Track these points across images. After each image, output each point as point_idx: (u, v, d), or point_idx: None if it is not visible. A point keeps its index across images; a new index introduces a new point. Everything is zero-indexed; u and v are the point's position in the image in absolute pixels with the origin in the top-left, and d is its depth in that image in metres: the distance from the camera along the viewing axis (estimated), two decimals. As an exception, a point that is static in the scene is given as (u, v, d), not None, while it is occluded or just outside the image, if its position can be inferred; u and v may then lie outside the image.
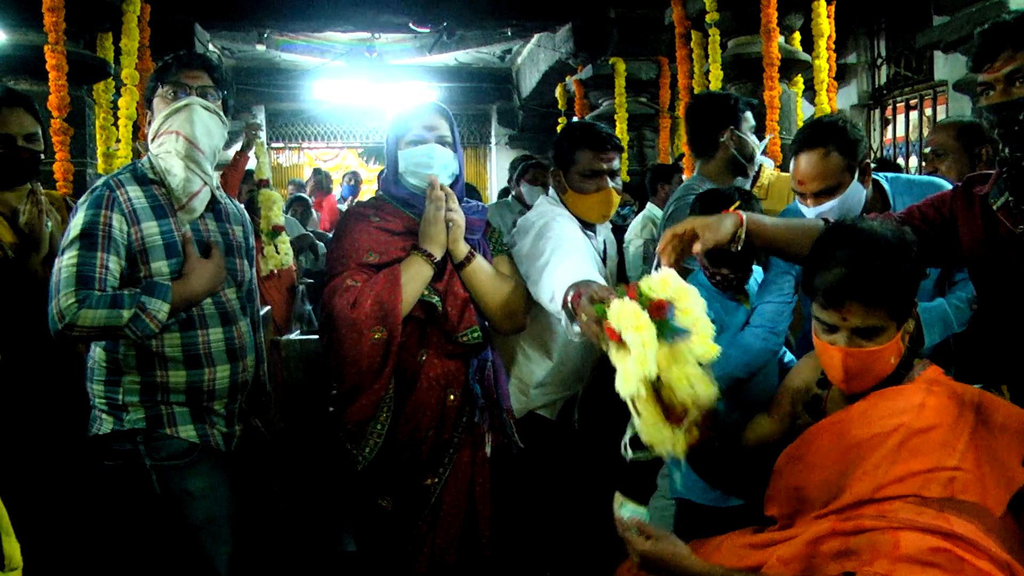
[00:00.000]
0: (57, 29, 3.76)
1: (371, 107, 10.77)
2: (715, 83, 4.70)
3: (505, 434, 2.33)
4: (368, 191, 14.09)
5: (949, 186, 2.36)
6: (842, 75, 6.60)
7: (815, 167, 2.17)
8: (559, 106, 7.76)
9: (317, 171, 8.67)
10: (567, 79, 7.54)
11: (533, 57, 9.31)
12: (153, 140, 2.12)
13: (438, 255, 2.19)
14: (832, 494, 1.70)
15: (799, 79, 4.76)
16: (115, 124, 4.57)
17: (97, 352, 2.12)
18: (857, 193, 2.19)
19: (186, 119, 2.08)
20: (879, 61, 7.05)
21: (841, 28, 4.81)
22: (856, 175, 2.19)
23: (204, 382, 2.11)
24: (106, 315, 1.91)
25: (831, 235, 1.74)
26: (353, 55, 9.44)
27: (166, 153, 2.07)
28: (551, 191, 2.62)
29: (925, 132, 6.54)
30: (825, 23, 4.48)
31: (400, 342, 2.16)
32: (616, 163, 2.52)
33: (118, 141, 4.59)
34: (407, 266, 2.18)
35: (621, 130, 6.45)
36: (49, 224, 2.35)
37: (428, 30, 7.80)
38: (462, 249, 2.23)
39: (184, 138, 2.06)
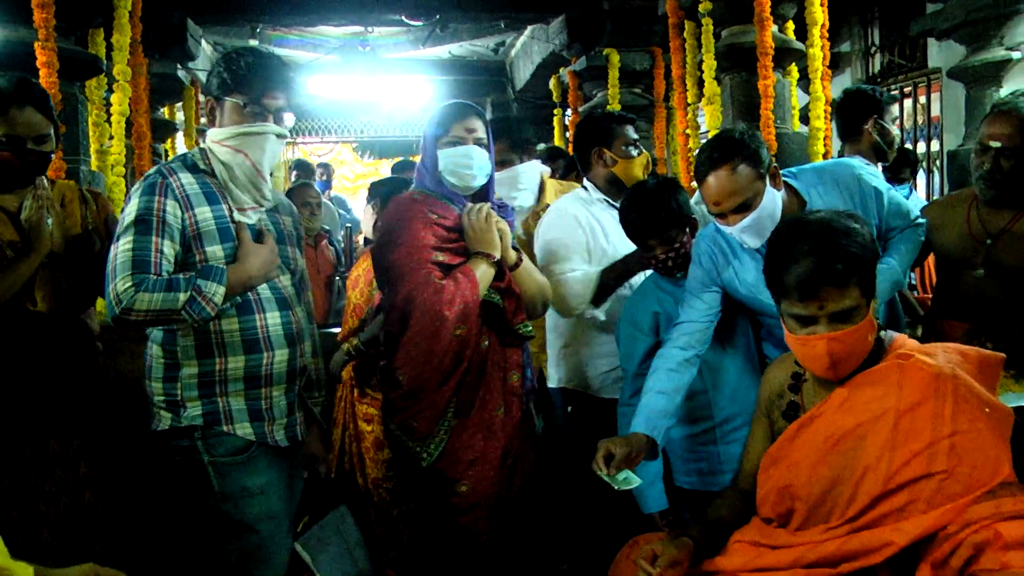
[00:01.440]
0: (47, 25, 3.73)
1: (365, 101, 10.74)
2: (709, 73, 4.69)
3: (540, 411, 2.56)
4: (361, 185, 14.02)
5: (856, 164, 2.48)
6: (836, 63, 6.60)
7: (726, 184, 2.19)
8: (553, 98, 7.74)
9: (301, 163, 8.25)
10: (561, 71, 7.52)
11: (527, 49, 9.28)
12: (217, 139, 2.14)
13: (498, 257, 2.36)
14: (825, 488, 1.71)
15: (793, 68, 4.75)
16: (108, 121, 4.55)
17: (154, 349, 2.14)
18: (773, 199, 2.22)
19: (259, 146, 2.12)
20: (873, 49, 7.05)
21: (835, 16, 4.80)
22: (767, 181, 2.22)
23: (262, 366, 2.13)
24: (162, 298, 1.94)
25: (784, 235, 1.79)
26: (346, 49, 9.39)
27: (229, 165, 2.12)
28: (588, 177, 3.01)
29: (920, 120, 6.55)
30: (819, 11, 4.47)
31: (464, 333, 2.31)
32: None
33: (111, 138, 4.57)
34: (475, 267, 2.33)
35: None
36: (50, 221, 2.30)
37: (421, 23, 7.78)
38: (513, 254, 2.44)
39: (252, 164, 2.13)
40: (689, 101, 5.21)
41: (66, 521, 2.18)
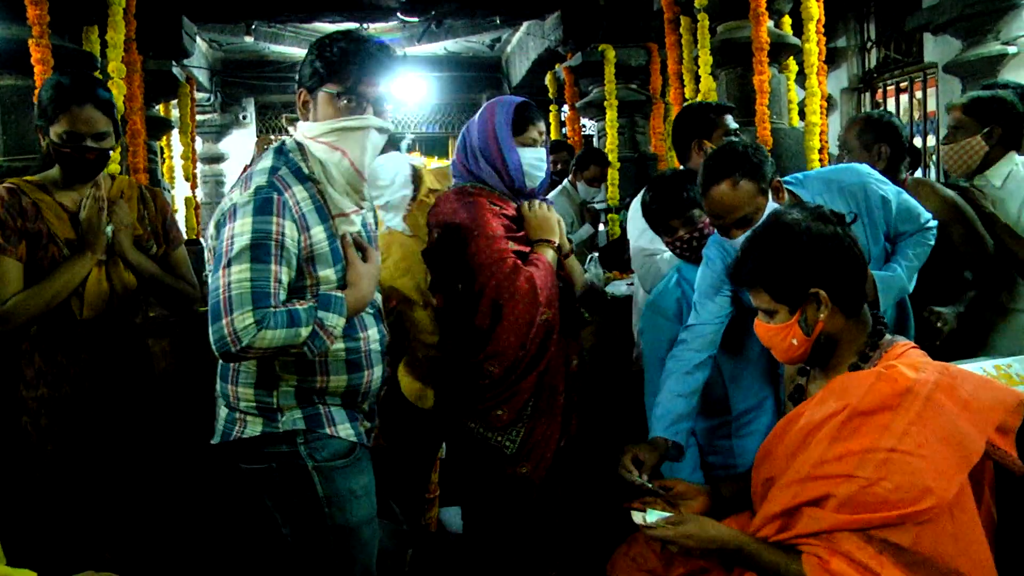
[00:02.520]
0: (41, 22, 3.72)
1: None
2: (704, 69, 4.69)
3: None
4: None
5: (864, 171, 2.50)
6: (832, 59, 6.61)
7: (727, 198, 2.20)
8: (549, 94, 7.73)
9: None
10: (557, 67, 7.51)
11: (522, 45, 9.28)
12: (311, 135, 1.93)
13: (557, 243, 2.45)
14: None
15: (789, 63, 4.75)
16: (103, 118, 4.54)
17: None
18: None
19: (358, 143, 1.90)
20: (869, 44, 7.05)
21: (830, 12, 4.80)
22: (769, 196, 2.23)
23: (363, 384, 2.03)
24: (285, 335, 1.77)
25: (753, 232, 1.89)
26: (342, 46, 9.38)
27: (326, 164, 1.92)
28: (686, 167, 2.94)
29: (916, 115, 6.55)
30: (814, 6, 4.47)
31: (550, 317, 2.37)
32: None
33: (106, 135, 4.56)
34: (544, 253, 2.41)
35: (611, 117, 6.44)
36: (109, 228, 2.32)
37: (416, 20, 7.76)
38: (567, 243, 2.53)
39: (350, 162, 1.91)
40: (685, 97, 5.20)
41: (123, 538, 2.21)
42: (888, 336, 1.83)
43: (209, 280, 1.83)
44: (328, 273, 1.91)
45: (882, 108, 6.60)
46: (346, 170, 1.91)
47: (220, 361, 1.98)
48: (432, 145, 12.40)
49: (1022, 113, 2.83)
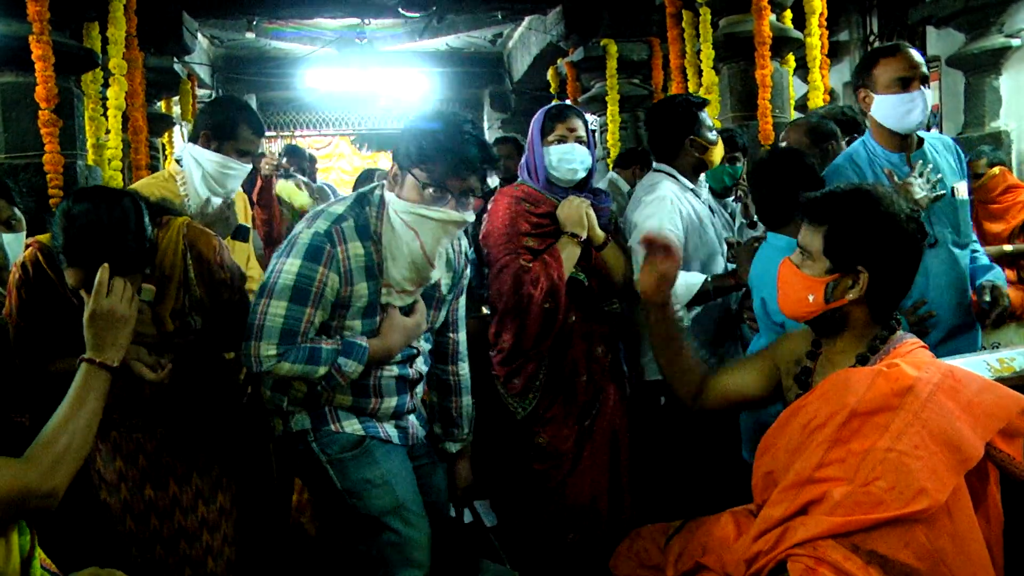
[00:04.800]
0: (42, 19, 3.72)
1: (362, 94, 10.71)
2: (707, 63, 4.68)
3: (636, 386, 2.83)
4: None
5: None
6: (834, 52, 6.57)
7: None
8: (551, 89, 7.73)
9: (292, 148, 6.90)
10: (559, 62, 7.50)
11: (524, 40, 9.26)
12: (393, 207, 1.96)
13: (583, 237, 2.58)
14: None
15: (791, 57, 4.74)
16: (104, 115, 4.54)
17: None
18: None
19: (432, 232, 1.95)
20: (871, 38, 7.02)
21: (833, 5, 4.79)
22: None
23: (369, 407, 2.10)
24: (302, 369, 1.94)
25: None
26: (343, 42, 9.37)
27: (399, 236, 1.96)
28: (674, 164, 2.93)
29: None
30: (817, 0, 4.46)
31: (551, 307, 2.57)
32: None
33: (108, 132, 4.56)
34: (562, 247, 2.59)
35: (613, 112, 6.43)
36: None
37: (418, 15, 7.74)
38: (600, 234, 2.64)
39: (422, 248, 1.96)
40: (688, 91, 5.19)
41: (206, 558, 2.12)
42: (900, 332, 1.81)
43: (252, 300, 1.99)
44: (355, 323, 2.01)
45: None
46: (415, 252, 1.97)
47: None
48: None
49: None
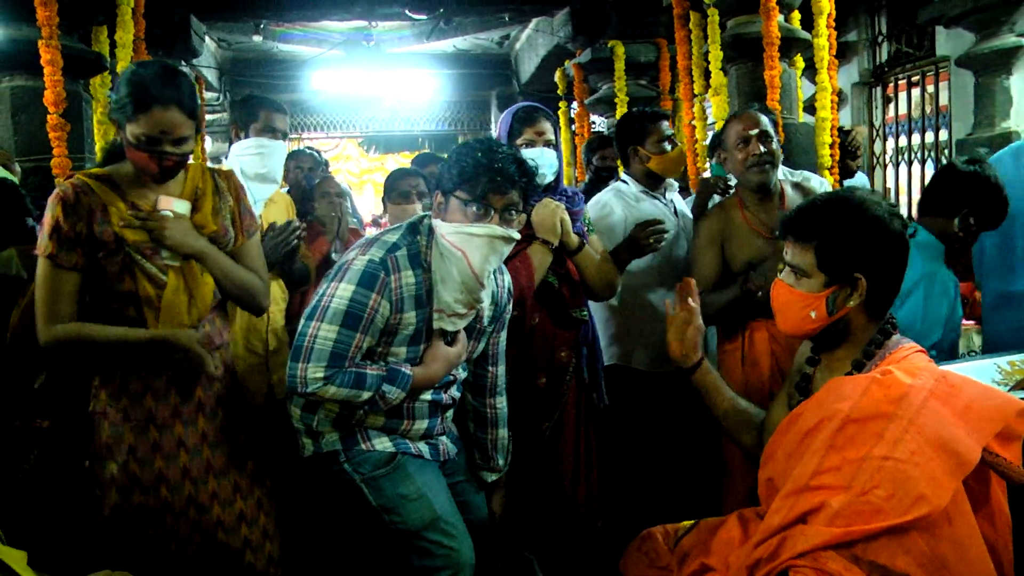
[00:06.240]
0: (51, 23, 3.73)
1: (370, 96, 10.72)
2: (715, 64, 4.66)
3: (597, 388, 2.76)
4: (366, 180, 14.00)
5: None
6: (843, 53, 6.55)
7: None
8: (559, 91, 7.72)
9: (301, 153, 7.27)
10: (566, 63, 7.49)
11: (531, 42, 9.26)
12: (440, 231, 2.05)
13: (555, 243, 2.53)
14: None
15: (799, 58, 4.72)
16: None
17: None
18: None
19: (478, 249, 2.01)
20: (880, 38, 6.99)
21: (841, 6, 4.76)
22: None
23: (400, 428, 2.14)
24: (346, 393, 1.97)
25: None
26: (351, 44, 9.38)
27: (447, 260, 2.03)
28: (628, 172, 3.24)
29: (928, 109, 6.50)
30: (825, 1, 4.44)
31: (518, 314, 2.49)
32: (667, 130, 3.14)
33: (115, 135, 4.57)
34: (533, 254, 2.52)
35: (622, 113, 6.41)
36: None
37: (425, 17, 7.75)
38: (574, 240, 2.59)
39: (470, 266, 2.02)
40: (695, 92, 5.18)
41: (244, 551, 2.12)
42: (895, 337, 1.81)
43: (301, 322, 2.01)
44: (400, 350, 2.06)
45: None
46: (464, 271, 2.02)
47: None
48: (442, 143, 12.41)
49: None
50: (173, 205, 2.06)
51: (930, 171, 6.49)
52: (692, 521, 2.00)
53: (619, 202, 3.13)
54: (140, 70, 2.00)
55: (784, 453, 1.75)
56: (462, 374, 2.25)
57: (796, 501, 1.63)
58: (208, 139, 9.67)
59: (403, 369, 2.04)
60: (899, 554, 1.51)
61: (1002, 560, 1.60)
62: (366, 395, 1.98)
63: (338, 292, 1.97)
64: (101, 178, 2.03)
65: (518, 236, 2.07)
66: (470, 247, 2.00)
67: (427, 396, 2.14)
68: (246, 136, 2.85)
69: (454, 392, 2.24)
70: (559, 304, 2.63)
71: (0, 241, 2.52)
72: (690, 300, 2.06)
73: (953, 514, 1.54)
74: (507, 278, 2.32)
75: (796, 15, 4.68)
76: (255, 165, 2.80)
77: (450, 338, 2.13)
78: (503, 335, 2.34)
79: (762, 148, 2.72)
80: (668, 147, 3.11)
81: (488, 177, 1.99)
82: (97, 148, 4.37)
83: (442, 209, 2.07)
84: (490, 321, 2.25)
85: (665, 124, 3.14)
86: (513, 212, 2.04)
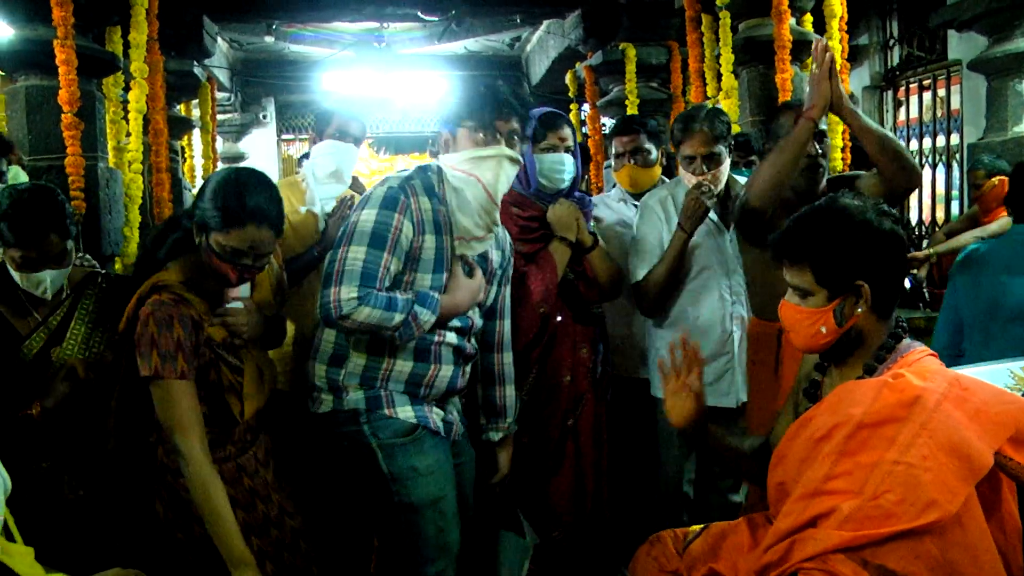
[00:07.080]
0: (66, 23, 3.76)
1: (380, 97, 10.74)
2: (726, 67, 4.66)
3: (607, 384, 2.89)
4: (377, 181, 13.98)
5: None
6: (854, 56, 6.55)
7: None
8: (569, 93, 7.71)
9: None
10: (577, 65, 7.49)
11: (542, 44, 9.27)
12: (450, 163, 2.18)
13: (573, 240, 2.68)
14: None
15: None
16: (125, 118, 4.58)
17: (327, 333, 2.19)
18: None
19: (491, 170, 2.14)
20: (892, 42, 6.98)
21: (853, 9, 4.75)
22: None
23: (427, 376, 2.18)
24: (380, 315, 2.01)
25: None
26: (362, 45, 9.41)
27: (461, 190, 2.15)
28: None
29: (939, 113, 6.48)
30: (837, 4, 4.44)
31: (546, 311, 2.65)
32: (636, 143, 3.15)
33: (128, 135, 4.60)
34: (554, 251, 2.68)
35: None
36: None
37: (436, 19, 7.77)
38: (588, 237, 2.74)
39: (484, 188, 2.15)
40: (707, 95, 5.17)
41: (281, 549, 2.10)
42: (907, 340, 1.80)
43: (328, 255, 2.09)
44: (425, 278, 2.13)
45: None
46: (479, 194, 2.15)
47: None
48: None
49: None
50: (237, 292, 2.11)
51: (941, 175, 6.47)
52: (702, 525, 2.00)
53: (603, 207, 3.23)
54: (237, 177, 1.97)
55: (795, 458, 1.74)
56: (479, 321, 2.31)
57: (807, 505, 1.62)
58: (220, 139, 9.71)
59: (431, 293, 2.10)
60: (909, 559, 1.50)
61: (1011, 566, 1.60)
62: (398, 317, 2.02)
63: (363, 217, 2.06)
64: (189, 287, 2.00)
65: (522, 159, 2.23)
66: (482, 169, 2.13)
67: (452, 339, 2.20)
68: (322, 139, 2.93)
69: (474, 344, 2.31)
70: (579, 300, 2.75)
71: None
72: (693, 376, 1.92)
73: (965, 519, 1.53)
74: (507, 234, 2.45)
75: (808, 18, 4.68)
76: (326, 165, 2.87)
77: (468, 272, 2.21)
78: (507, 290, 2.46)
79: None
80: (628, 160, 3.15)
81: (493, 106, 2.14)
82: (109, 147, 4.40)
83: (450, 146, 2.19)
84: (499, 264, 2.37)
85: (627, 138, 3.17)
86: (516, 138, 2.18)
